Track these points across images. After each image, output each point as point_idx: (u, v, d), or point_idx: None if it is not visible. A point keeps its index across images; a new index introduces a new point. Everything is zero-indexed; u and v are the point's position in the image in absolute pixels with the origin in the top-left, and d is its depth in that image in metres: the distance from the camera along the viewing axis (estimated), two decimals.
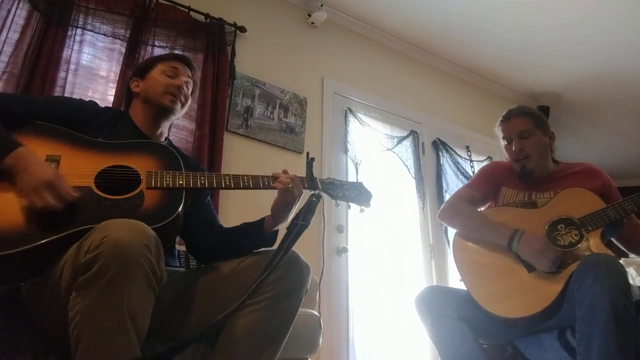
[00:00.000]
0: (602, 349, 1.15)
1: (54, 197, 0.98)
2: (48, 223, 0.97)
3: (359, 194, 1.34)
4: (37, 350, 1.01)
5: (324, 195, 1.28)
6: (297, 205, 1.24)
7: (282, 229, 1.26)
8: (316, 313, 1.47)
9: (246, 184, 1.19)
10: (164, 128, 1.42)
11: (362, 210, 1.33)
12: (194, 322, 1.13)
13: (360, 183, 1.38)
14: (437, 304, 1.50)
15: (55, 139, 1.15)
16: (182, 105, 1.40)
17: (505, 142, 1.73)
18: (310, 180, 1.26)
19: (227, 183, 1.18)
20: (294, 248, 1.15)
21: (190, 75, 1.44)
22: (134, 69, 1.45)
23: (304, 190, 1.25)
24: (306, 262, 1.16)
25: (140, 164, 1.15)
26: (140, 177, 1.12)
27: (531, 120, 1.70)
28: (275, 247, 1.19)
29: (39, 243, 0.93)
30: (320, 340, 1.42)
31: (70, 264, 0.89)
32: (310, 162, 1.27)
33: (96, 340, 0.82)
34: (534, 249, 1.44)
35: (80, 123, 1.23)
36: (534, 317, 1.36)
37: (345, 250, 2.67)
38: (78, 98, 1.39)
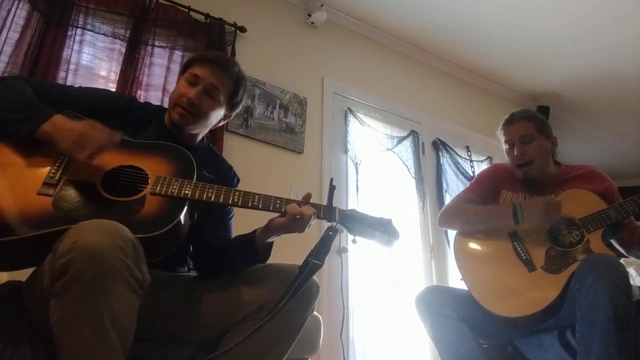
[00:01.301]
0: (602, 349, 1.15)
1: (93, 144, 1.01)
2: (43, 217, 0.96)
3: (383, 233, 1.17)
4: (36, 350, 1.01)
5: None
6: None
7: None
8: (316, 313, 1.47)
9: (255, 204, 1.10)
10: (193, 133, 1.31)
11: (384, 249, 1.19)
12: (197, 327, 1.12)
13: (389, 221, 1.20)
14: (437, 304, 1.50)
15: None
16: (197, 119, 1.26)
17: (507, 146, 1.72)
18: (328, 211, 1.13)
19: (235, 200, 1.10)
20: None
21: (218, 81, 1.28)
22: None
23: (321, 220, 1.14)
24: (316, 281, 1.12)
25: (153, 167, 1.11)
26: (148, 180, 1.09)
27: (533, 125, 1.68)
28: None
29: (24, 236, 0.93)
30: (321, 340, 1.42)
31: (48, 266, 0.87)
32: (331, 191, 1.15)
33: (76, 351, 0.80)
34: (538, 210, 1.47)
35: (108, 117, 1.18)
36: (533, 316, 1.36)
37: (345, 250, 2.67)
38: (116, 92, 1.36)
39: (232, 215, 1.34)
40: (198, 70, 1.26)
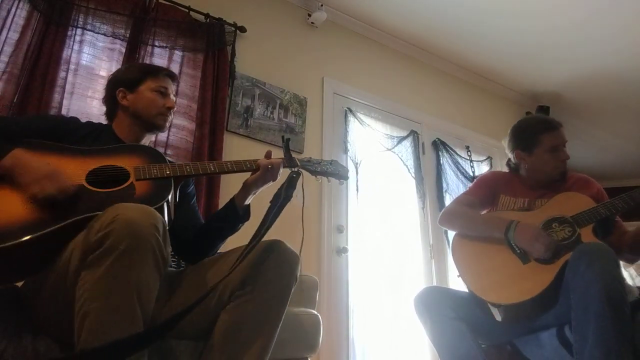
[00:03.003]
0: (597, 333, 1.16)
1: (54, 187, 1.04)
2: (46, 217, 1.01)
3: (336, 169, 1.43)
4: (36, 346, 1.02)
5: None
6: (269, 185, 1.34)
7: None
8: (316, 313, 1.47)
9: (230, 168, 1.28)
10: (147, 140, 1.47)
11: (341, 183, 1.45)
12: (191, 317, 1.12)
13: (335, 160, 1.48)
14: (436, 304, 1.52)
15: (42, 150, 1.18)
16: (170, 123, 1.49)
17: (550, 151, 1.72)
18: (288, 160, 1.35)
19: (212, 169, 1.27)
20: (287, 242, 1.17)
21: (174, 89, 1.51)
22: (118, 78, 1.45)
23: (286, 170, 1.34)
24: (294, 251, 1.17)
25: (127, 163, 1.20)
26: (128, 173, 1.17)
27: None
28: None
29: (38, 234, 0.97)
30: (320, 339, 1.42)
31: (79, 247, 0.92)
32: (286, 143, 1.37)
33: (103, 317, 0.84)
34: (529, 235, 1.50)
35: (63, 136, 1.27)
36: (529, 303, 1.38)
37: (345, 250, 2.67)
38: (58, 114, 1.47)
39: (197, 208, 1.50)
40: (164, 82, 1.45)
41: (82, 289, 0.87)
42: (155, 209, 1.04)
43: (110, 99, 1.44)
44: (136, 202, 1.05)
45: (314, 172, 1.40)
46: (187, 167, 1.23)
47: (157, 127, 1.43)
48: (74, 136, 1.29)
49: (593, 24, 3.21)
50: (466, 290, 1.57)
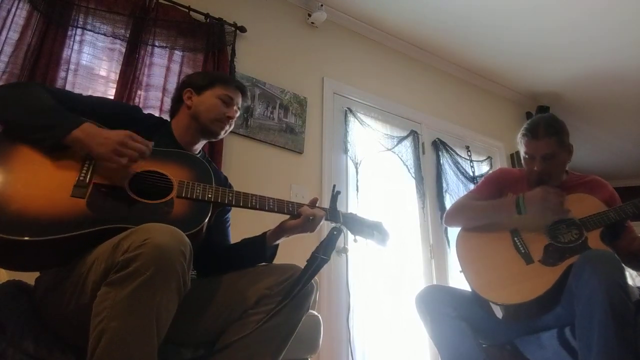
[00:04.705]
0: (601, 343, 1.16)
1: (133, 152, 1.06)
2: (80, 217, 1.00)
3: (378, 233, 1.37)
4: (39, 346, 1.02)
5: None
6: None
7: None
8: (316, 313, 1.47)
9: (271, 206, 1.23)
10: (201, 145, 1.45)
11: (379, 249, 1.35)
12: (197, 327, 1.13)
13: (380, 223, 1.39)
14: (437, 302, 1.51)
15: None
16: (226, 132, 1.45)
17: (527, 157, 1.69)
18: (333, 213, 1.29)
19: (253, 203, 1.21)
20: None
21: (241, 103, 1.48)
22: (189, 79, 1.46)
23: (326, 222, 1.29)
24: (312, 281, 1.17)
25: (175, 173, 1.18)
26: (172, 185, 1.15)
27: (557, 141, 1.64)
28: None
29: (66, 235, 0.96)
30: (320, 340, 1.42)
31: (103, 260, 0.91)
32: (335, 196, 1.31)
33: (121, 337, 0.83)
34: (538, 199, 1.52)
35: (122, 125, 1.23)
36: (529, 304, 1.38)
37: (345, 250, 2.67)
38: (125, 102, 1.39)
39: (229, 224, 1.44)
40: (232, 93, 1.44)
41: (102, 306, 0.86)
42: (189, 234, 1.02)
43: (176, 97, 1.44)
44: (171, 221, 1.02)
45: (354, 232, 1.34)
46: (230, 195, 1.19)
47: (211, 133, 1.40)
48: (131, 128, 1.24)
49: (593, 23, 3.21)
50: (467, 288, 1.56)
